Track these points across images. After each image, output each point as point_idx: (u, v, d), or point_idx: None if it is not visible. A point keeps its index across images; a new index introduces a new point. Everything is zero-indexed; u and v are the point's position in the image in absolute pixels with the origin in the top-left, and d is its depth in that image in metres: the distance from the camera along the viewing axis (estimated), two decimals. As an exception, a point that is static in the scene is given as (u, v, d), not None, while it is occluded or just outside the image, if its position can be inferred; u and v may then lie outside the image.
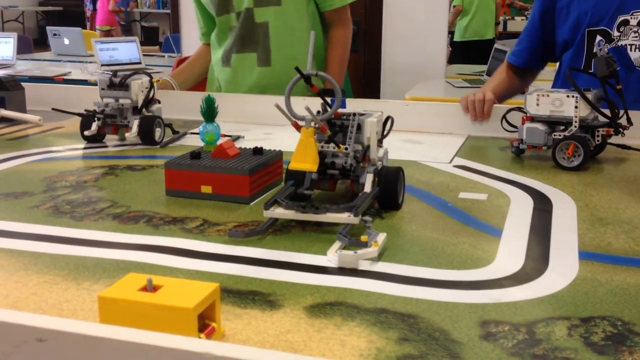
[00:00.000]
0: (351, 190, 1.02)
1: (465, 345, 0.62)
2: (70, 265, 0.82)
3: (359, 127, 1.00)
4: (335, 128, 1.01)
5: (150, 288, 0.58)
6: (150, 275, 0.59)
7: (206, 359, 0.43)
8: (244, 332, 0.65)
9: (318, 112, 0.98)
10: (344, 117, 1.01)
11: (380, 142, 1.05)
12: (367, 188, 0.98)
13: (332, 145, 0.97)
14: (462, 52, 4.99)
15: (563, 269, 0.81)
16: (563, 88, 1.48)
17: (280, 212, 0.92)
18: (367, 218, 0.88)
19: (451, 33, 5.11)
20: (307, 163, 0.92)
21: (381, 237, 0.84)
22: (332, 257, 0.81)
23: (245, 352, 0.42)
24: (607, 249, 0.88)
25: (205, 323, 0.59)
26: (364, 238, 0.82)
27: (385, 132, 1.07)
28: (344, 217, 0.89)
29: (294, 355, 0.42)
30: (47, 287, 0.75)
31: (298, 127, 0.94)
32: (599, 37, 1.69)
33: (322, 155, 0.98)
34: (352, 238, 0.83)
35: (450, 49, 5.12)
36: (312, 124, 0.94)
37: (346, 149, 0.98)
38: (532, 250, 0.87)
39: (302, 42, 1.91)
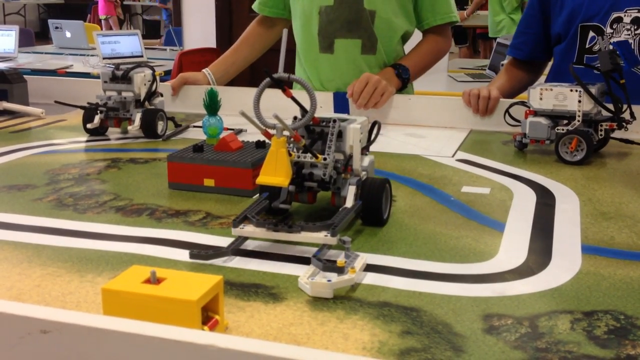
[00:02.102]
0: (332, 203, 0.93)
1: (468, 339, 0.62)
2: (74, 257, 0.82)
3: (341, 134, 0.91)
4: (314, 135, 0.92)
5: (154, 280, 0.58)
6: (153, 268, 0.59)
7: (210, 351, 0.43)
8: (247, 325, 0.65)
9: (295, 118, 0.90)
10: (324, 123, 0.91)
11: (366, 150, 0.96)
12: (349, 202, 0.89)
13: (309, 155, 0.88)
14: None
15: (566, 263, 0.81)
16: (555, 82, 1.48)
17: (249, 231, 0.83)
18: (345, 238, 0.78)
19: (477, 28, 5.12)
20: (278, 177, 0.83)
21: (360, 262, 0.75)
22: (304, 284, 0.72)
23: (249, 345, 0.43)
24: (610, 243, 0.88)
25: (208, 315, 0.59)
26: (340, 263, 0.73)
27: (371, 139, 0.98)
28: (320, 237, 0.80)
29: (297, 347, 0.42)
30: (51, 279, 0.75)
31: (269, 136, 0.85)
32: (591, 33, 1.68)
33: (299, 165, 0.90)
34: (328, 262, 0.74)
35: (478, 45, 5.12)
36: (285, 132, 0.85)
37: (325, 159, 0.89)
38: (534, 244, 0.87)
39: (400, 41, 1.84)
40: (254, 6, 1.96)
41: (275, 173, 0.83)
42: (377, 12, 1.78)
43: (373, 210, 0.91)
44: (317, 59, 1.84)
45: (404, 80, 1.79)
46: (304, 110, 0.89)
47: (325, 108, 1.73)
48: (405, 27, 1.84)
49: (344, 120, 0.93)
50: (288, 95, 0.86)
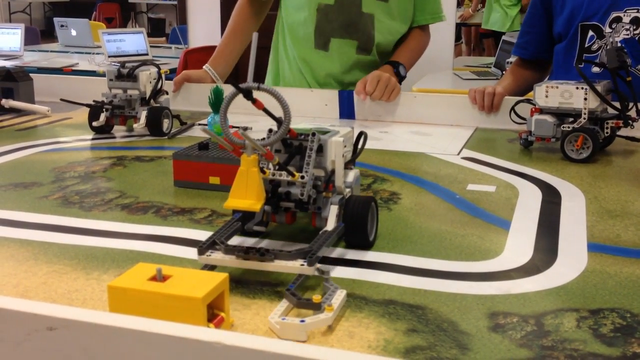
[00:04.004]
0: (313, 224, 0.85)
1: (473, 337, 0.62)
2: (80, 255, 0.82)
3: (321, 149, 0.82)
4: (292, 150, 0.83)
5: (160, 278, 0.58)
6: (159, 265, 0.59)
7: (216, 348, 0.43)
8: (252, 322, 0.65)
9: (270, 130, 0.80)
10: (302, 136, 0.82)
11: (351, 164, 0.89)
12: (331, 223, 0.81)
13: (284, 173, 0.80)
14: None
15: (572, 260, 0.81)
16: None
17: (217, 259, 0.74)
18: (325, 267, 0.71)
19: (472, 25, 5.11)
20: (248, 200, 0.74)
21: (339, 298, 0.67)
22: (274, 324, 0.63)
23: (254, 342, 0.42)
24: (616, 241, 0.88)
25: (214, 313, 0.59)
26: (316, 298, 0.64)
27: (357, 151, 0.90)
28: (296, 266, 0.71)
29: (302, 345, 0.42)
30: (57, 276, 0.76)
31: (239, 154, 0.76)
32: (591, 32, 1.68)
33: (275, 184, 0.81)
34: (302, 298, 0.66)
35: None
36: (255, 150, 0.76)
37: (302, 177, 0.80)
38: (540, 242, 0.87)
39: (396, 44, 1.86)
40: None
41: (245, 195, 0.74)
42: (376, 16, 1.79)
43: (357, 232, 0.83)
44: (310, 54, 1.85)
45: (400, 79, 1.80)
46: (279, 122, 0.78)
47: (330, 106, 1.73)
48: (403, 29, 1.85)
49: (324, 132, 0.84)
50: (259, 107, 0.76)
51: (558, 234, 0.90)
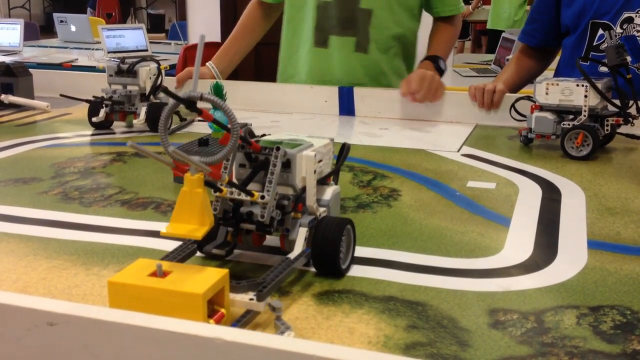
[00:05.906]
0: (282, 247, 0.76)
1: (473, 333, 0.62)
2: (79, 250, 0.82)
3: (289, 164, 0.73)
4: (257, 164, 0.73)
5: (160, 273, 0.58)
6: (159, 261, 0.59)
7: (216, 343, 0.43)
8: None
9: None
10: (267, 150, 0.72)
11: (333, 179, 0.80)
12: (298, 247, 0.72)
13: (242, 193, 0.70)
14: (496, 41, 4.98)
15: (572, 258, 0.81)
16: (564, 76, 1.48)
17: None
18: (276, 303, 0.63)
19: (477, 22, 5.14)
20: (191, 225, 0.63)
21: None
22: None
23: (254, 338, 0.43)
24: (616, 238, 0.88)
25: (214, 309, 0.59)
26: None
27: (338, 165, 0.80)
28: (244, 301, 0.62)
29: (302, 341, 0.42)
30: (57, 272, 0.75)
31: (183, 171, 0.67)
32: (600, 31, 1.67)
33: (237, 203, 0.72)
34: None
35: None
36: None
37: (263, 197, 0.70)
38: (540, 239, 0.87)
39: (398, 38, 1.84)
40: None
41: (189, 220, 0.63)
42: (374, 12, 1.79)
43: (326, 259, 0.72)
44: (310, 52, 1.85)
45: (441, 73, 1.79)
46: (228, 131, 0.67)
47: (330, 102, 1.73)
48: (409, 22, 1.84)
49: (297, 144, 0.75)
50: (208, 118, 0.66)
51: (558, 231, 0.90)
